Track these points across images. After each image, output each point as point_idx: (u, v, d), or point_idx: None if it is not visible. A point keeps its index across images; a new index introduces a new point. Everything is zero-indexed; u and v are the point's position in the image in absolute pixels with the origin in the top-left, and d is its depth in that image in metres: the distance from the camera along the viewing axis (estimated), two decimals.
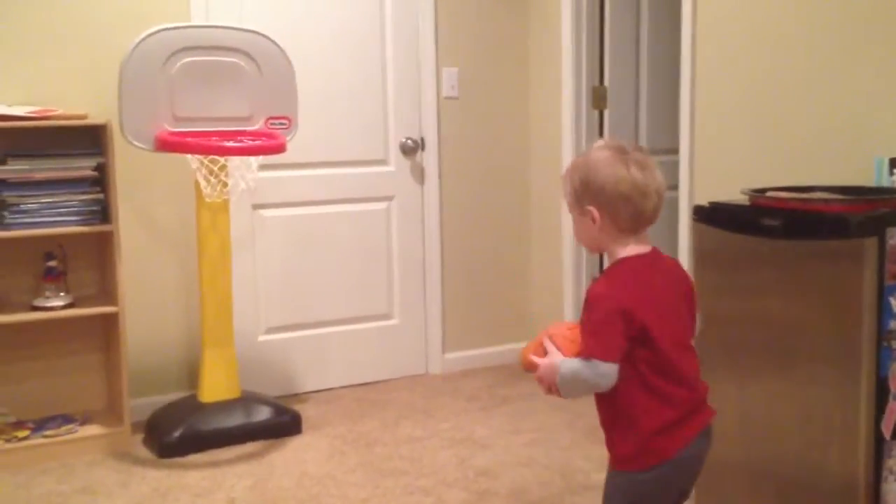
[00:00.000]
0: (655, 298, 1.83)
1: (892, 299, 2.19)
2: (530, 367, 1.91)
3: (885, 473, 2.23)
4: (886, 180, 2.60)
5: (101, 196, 3.37)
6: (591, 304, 1.82)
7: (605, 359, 1.77)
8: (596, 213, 1.82)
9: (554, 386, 1.85)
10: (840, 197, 2.41)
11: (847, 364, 2.24)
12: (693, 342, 1.94)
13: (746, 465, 2.55)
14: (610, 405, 1.88)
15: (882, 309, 2.19)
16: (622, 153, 1.81)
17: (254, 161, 3.43)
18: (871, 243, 2.18)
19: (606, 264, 1.92)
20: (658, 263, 1.90)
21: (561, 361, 1.83)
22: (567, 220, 4.30)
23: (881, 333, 2.19)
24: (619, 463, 1.91)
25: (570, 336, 1.89)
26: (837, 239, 2.25)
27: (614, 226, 1.82)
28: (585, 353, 1.79)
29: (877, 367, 2.20)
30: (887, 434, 2.22)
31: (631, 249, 1.85)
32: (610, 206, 1.81)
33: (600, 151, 1.84)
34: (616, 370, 1.79)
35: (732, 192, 2.70)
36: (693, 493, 2.74)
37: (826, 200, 2.40)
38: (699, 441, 1.89)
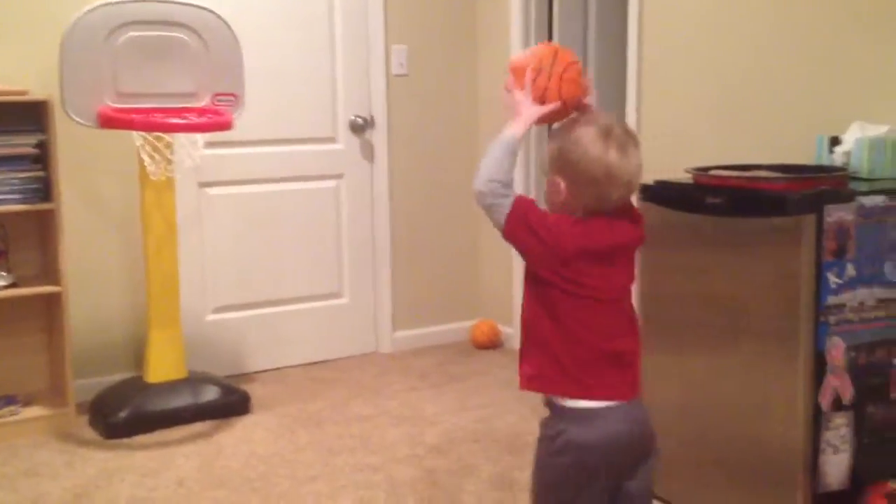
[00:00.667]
0: (594, 241, 1.78)
1: (830, 275, 2.24)
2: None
3: (822, 445, 2.29)
4: (827, 159, 2.66)
5: (42, 174, 3.30)
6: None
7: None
8: (562, 186, 1.78)
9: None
10: (780, 175, 2.45)
11: (786, 339, 2.29)
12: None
13: (689, 440, 2.60)
14: (534, 322, 1.85)
15: (820, 285, 2.24)
16: (606, 134, 1.75)
17: (200, 138, 3.39)
18: (809, 220, 2.22)
19: None
20: (613, 224, 1.82)
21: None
22: None
23: (819, 309, 2.24)
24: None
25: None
26: (777, 216, 2.29)
27: (577, 202, 1.78)
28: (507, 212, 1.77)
29: (815, 342, 2.26)
30: (825, 406, 2.28)
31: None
32: (577, 183, 1.76)
33: (586, 127, 1.77)
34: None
35: (678, 171, 2.73)
36: None
37: (767, 179, 2.44)
38: (629, 414, 1.85)
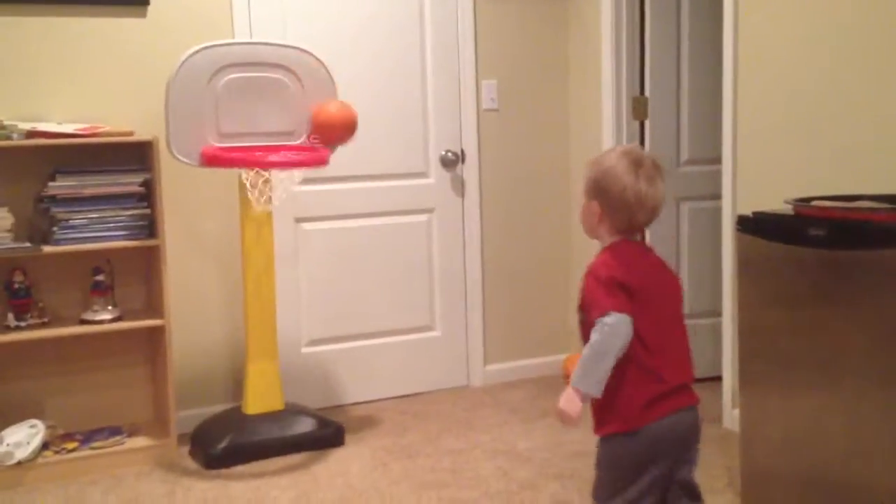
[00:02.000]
0: (646, 276, 2.06)
1: None
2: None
3: None
4: None
5: (147, 211, 3.42)
6: (588, 281, 2.05)
7: (616, 309, 1.95)
8: (597, 209, 2.08)
9: (571, 414, 2.03)
10: (887, 206, 2.38)
11: (894, 377, 2.20)
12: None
13: (792, 476, 2.52)
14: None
15: None
16: (637, 165, 2.03)
17: (297, 174, 3.47)
18: None
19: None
20: (649, 254, 2.17)
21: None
22: None
23: None
24: (599, 431, 2.13)
25: None
26: (884, 248, 2.22)
27: (610, 224, 2.09)
28: (597, 313, 1.96)
29: None
30: None
31: (618, 238, 2.10)
32: (610, 207, 2.06)
33: (620, 158, 2.06)
34: (629, 320, 1.95)
35: (776, 201, 2.68)
36: (741, 501, 2.72)
37: (872, 209, 2.37)
38: (681, 416, 2.06)
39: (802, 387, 2.47)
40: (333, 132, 3.41)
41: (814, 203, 2.51)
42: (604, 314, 1.95)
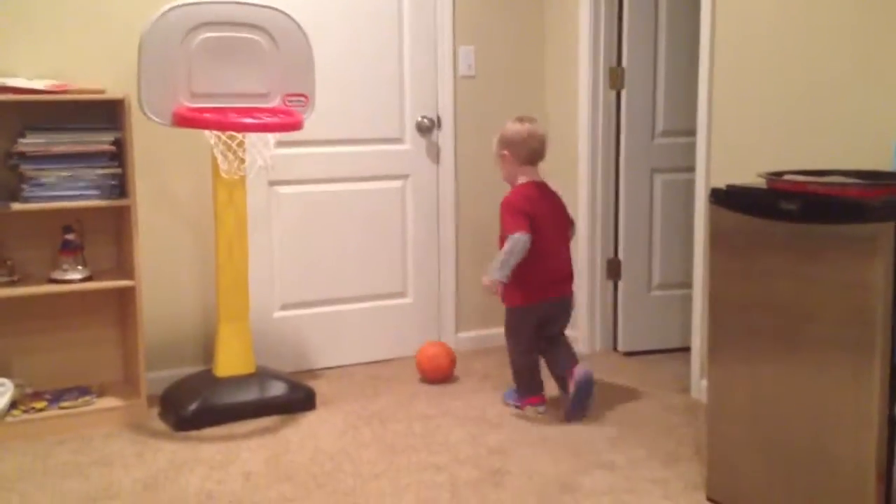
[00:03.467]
0: (541, 208, 3.47)
1: None
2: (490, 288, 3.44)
3: None
4: None
5: (118, 171, 3.38)
6: (504, 208, 3.43)
7: (518, 230, 3.34)
8: (508, 156, 3.51)
9: (497, 283, 3.38)
10: (857, 181, 2.40)
11: (861, 349, 2.24)
12: (569, 241, 3.67)
13: (757, 444, 2.56)
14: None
15: None
16: (520, 119, 3.53)
17: (271, 138, 3.44)
18: (886, 228, 2.17)
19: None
20: (543, 189, 3.55)
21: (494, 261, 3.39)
22: (583, 198, 4.30)
23: (895, 319, 2.19)
24: (506, 303, 3.54)
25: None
26: (853, 223, 2.24)
27: (517, 160, 3.50)
28: (506, 233, 3.37)
29: (891, 353, 2.20)
30: None
31: (526, 179, 3.51)
32: (515, 148, 3.49)
33: (511, 121, 3.53)
34: (528, 238, 3.34)
35: (749, 175, 2.69)
36: (707, 467, 2.77)
37: (843, 184, 2.39)
38: (559, 302, 3.56)
39: (770, 358, 2.50)
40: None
41: (786, 177, 2.53)
42: (512, 232, 3.34)
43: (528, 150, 3.46)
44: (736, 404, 2.62)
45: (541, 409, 3.54)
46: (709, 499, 2.76)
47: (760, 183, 2.59)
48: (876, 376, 2.21)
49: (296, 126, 3.37)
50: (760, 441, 2.55)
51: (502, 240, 3.38)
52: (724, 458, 2.70)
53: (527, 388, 3.57)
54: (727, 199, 2.63)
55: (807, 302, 2.38)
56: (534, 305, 3.47)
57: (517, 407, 3.58)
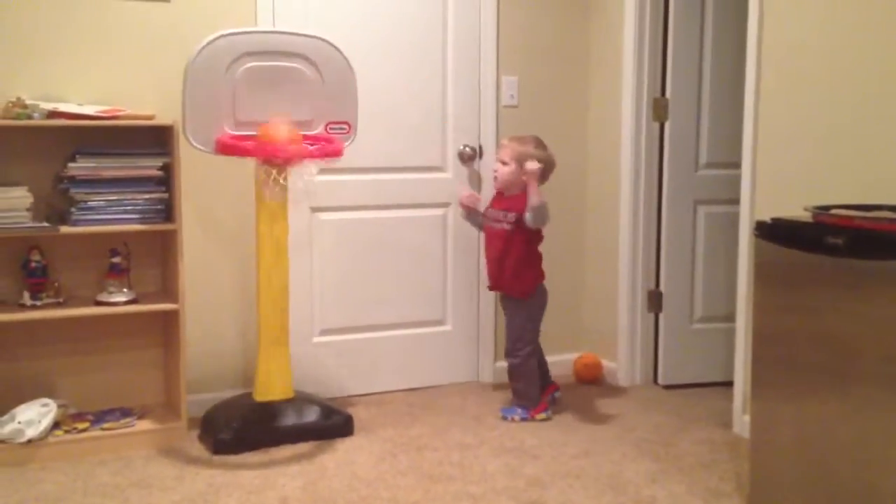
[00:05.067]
0: None
1: None
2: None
3: None
4: None
5: (165, 195, 3.44)
6: (531, 177, 3.69)
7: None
8: (541, 169, 3.69)
9: (533, 174, 3.68)
10: None
11: None
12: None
13: (800, 482, 2.51)
14: (528, 254, 3.78)
15: None
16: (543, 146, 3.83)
17: (314, 166, 3.47)
18: None
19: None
20: None
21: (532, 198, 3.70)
22: (625, 229, 4.27)
23: None
24: (528, 293, 3.82)
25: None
26: None
27: (540, 179, 3.73)
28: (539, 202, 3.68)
29: None
30: None
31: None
32: (547, 169, 3.76)
33: (536, 145, 3.79)
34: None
35: (794, 208, 2.67)
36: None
37: (891, 220, 2.36)
38: None
39: (814, 394, 2.46)
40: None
41: (833, 211, 2.50)
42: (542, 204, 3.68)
43: (548, 174, 3.78)
44: (780, 440, 2.58)
45: (549, 414, 3.81)
46: None
47: (806, 217, 2.57)
48: None
49: (336, 154, 3.40)
50: (804, 478, 2.50)
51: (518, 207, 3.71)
52: (767, 495, 2.65)
53: (535, 397, 3.82)
54: (772, 232, 2.61)
55: (853, 338, 2.34)
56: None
57: (524, 420, 3.77)
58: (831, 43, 3.14)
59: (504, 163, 3.75)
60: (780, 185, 3.39)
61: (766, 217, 2.67)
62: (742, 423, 3.54)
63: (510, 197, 3.77)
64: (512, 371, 3.86)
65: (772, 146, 3.42)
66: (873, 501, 2.29)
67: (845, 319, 2.37)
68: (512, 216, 3.72)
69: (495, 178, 3.81)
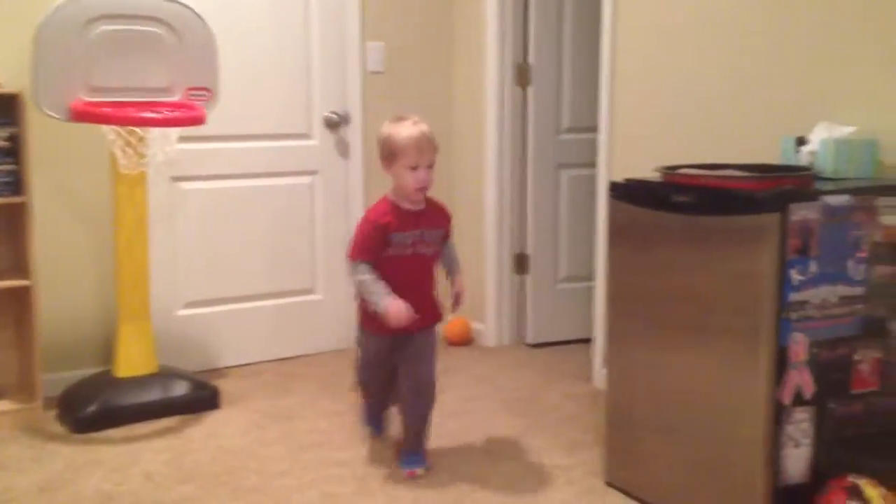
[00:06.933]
0: None
1: (793, 273, 2.27)
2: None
3: (783, 439, 2.32)
4: (793, 159, 2.69)
5: (14, 167, 3.27)
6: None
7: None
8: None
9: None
10: (747, 174, 2.48)
11: (750, 336, 2.32)
12: None
13: (659, 435, 2.62)
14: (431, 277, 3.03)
15: (783, 282, 2.27)
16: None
17: (173, 133, 3.38)
18: (774, 219, 2.25)
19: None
20: None
21: None
22: (491, 194, 4.34)
23: (782, 305, 2.27)
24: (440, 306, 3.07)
25: None
26: (744, 214, 2.32)
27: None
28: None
29: (777, 338, 2.28)
30: (786, 401, 2.31)
31: None
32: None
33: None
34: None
35: (648, 169, 2.76)
36: (606, 452, 2.83)
37: (734, 177, 2.47)
38: None
39: (668, 346, 2.57)
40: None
41: (681, 171, 2.60)
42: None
43: None
44: (635, 391, 2.69)
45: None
46: (607, 483, 2.83)
47: (657, 177, 2.66)
48: (763, 360, 2.29)
49: (197, 120, 3.31)
50: (659, 427, 2.62)
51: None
52: (623, 444, 2.76)
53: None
54: (625, 192, 2.70)
55: (702, 292, 2.45)
56: None
57: (426, 469, 2.96)
58: (681, 11, 3.25)
59: (430, 166, 2.95)
60: (635, 149, 3.50)
61: (622, 178, 2.76)
62: (601, 376, 3.66)
63: (421, 212, 2.95)
64: (427, 414, 2.99)
65: (627, 110, 3.53)
66: (730, 446, 2.42)
67: (695, 275, 2.47)
68: (438, 234, 3.00)
69: (422, 188, 2.92)
